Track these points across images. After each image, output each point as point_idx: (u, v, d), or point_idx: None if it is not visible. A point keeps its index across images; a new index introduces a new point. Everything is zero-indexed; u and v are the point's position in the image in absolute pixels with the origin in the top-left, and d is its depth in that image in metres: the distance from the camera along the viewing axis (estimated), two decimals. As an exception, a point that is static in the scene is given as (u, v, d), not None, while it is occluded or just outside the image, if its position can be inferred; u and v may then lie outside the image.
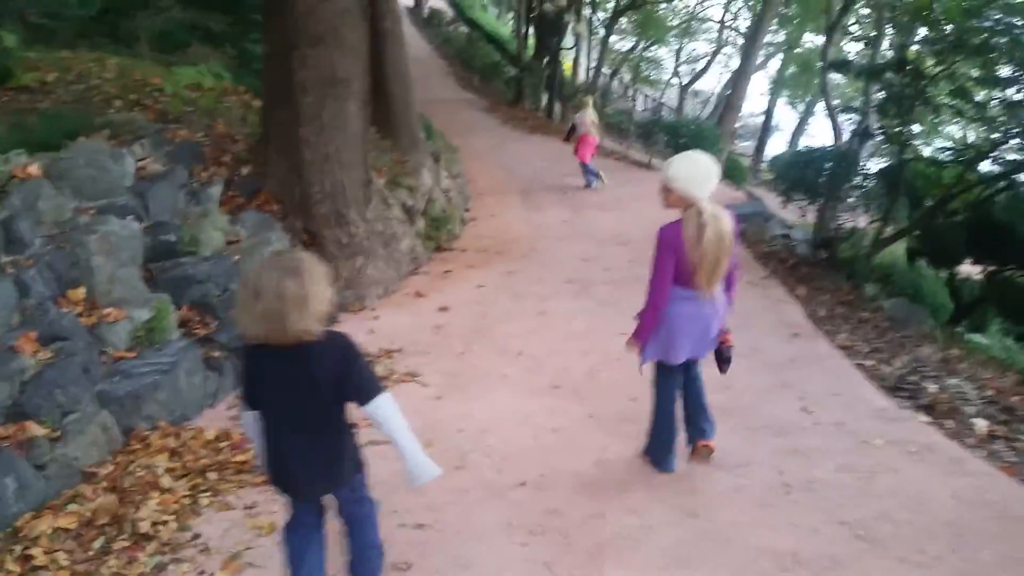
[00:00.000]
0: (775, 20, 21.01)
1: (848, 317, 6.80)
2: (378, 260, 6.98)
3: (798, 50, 32.61)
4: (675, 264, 3.41)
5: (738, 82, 19.53)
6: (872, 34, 10.73)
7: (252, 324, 2.21)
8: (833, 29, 12.81)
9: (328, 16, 6.26)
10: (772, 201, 15.83)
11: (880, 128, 9.33)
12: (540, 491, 3.64)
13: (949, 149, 8.69)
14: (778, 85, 36.33)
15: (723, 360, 3.81)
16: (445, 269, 8.16)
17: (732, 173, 17.65)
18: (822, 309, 6.94)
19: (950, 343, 7.04)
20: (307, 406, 2.33)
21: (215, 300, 5.13)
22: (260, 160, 6.88)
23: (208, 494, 3.41)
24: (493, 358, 5.54)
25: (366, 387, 2.34)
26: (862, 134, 13.14)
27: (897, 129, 8.94)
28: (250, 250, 5.68)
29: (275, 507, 3.41)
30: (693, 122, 16.15)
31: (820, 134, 41.05)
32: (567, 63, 26.66)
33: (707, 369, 4.05)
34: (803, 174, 8.08)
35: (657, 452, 3.87)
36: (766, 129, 37.18)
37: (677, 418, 3.82)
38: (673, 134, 15.72)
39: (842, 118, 14.47)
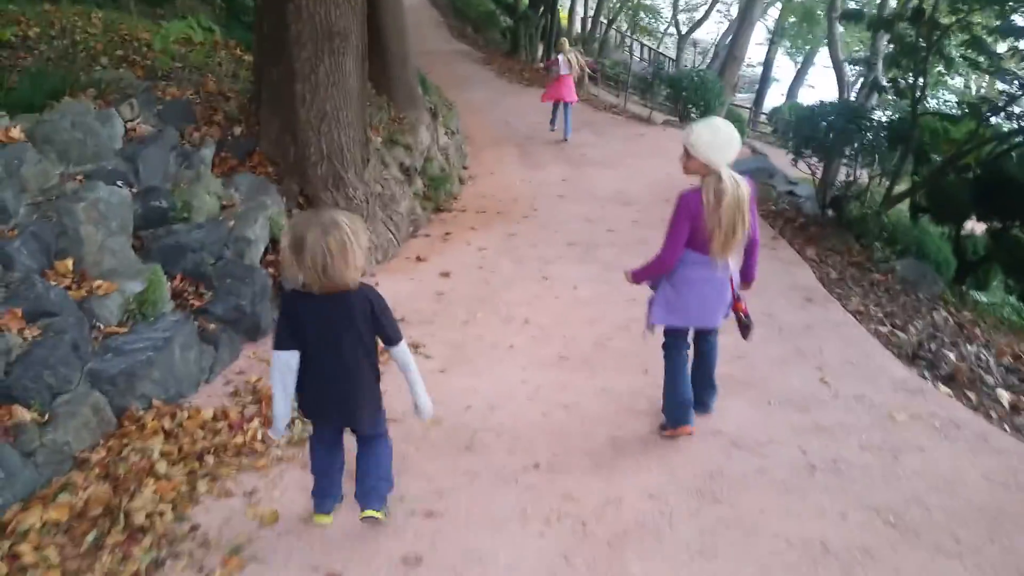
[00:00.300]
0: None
1: (860, 280, 6.63)
2: (377, 223, 6.75)
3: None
4: (692, 229, 3.43)
5: (740, 32, 19.03)
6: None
7: (301, 274, 2.58)
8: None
9: (322, -34, 5.92)
10: (774, 155, 15.59)
11: (889, 81, 9.03)
12: (554, 474, 3.49)
13: (962, 102, 8.40)
14: (777, 35, 35.56)
15: (745, 327, 3.81)
16: (445, 231, 7.93)
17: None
18: (833, 271, 6.77)
19: (961, 305, 6.90)
20: (345, 344, 2.71)
21: (209, 269, 4.91)
22: (253, 119, 6.60)
23: (206, 479, 3.25)
24: (498, 327, 5.36)
25: (393, 332, 2.80)
26: (871, 87, 12.83)
27: (910, 82, 8.68)
28: (245, 215, 5.45)
29: (276, 492, 3.27)
30: (695, 73, 15.74)
31: (819, 85, 40.61)
32: (563, 13, 25.97)
33: (723, 336, 3.92)
34: (814, 130, 7.81)
35: (674, 412, 3.83)
36: (765, 80, 36.60)
37: (687, 382, 3.81)
38: (675, 86, 15.37)
39: (846, 70, 14.08)
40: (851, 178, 8.37)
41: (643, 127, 15.81)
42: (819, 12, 30.07)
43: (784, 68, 39.76)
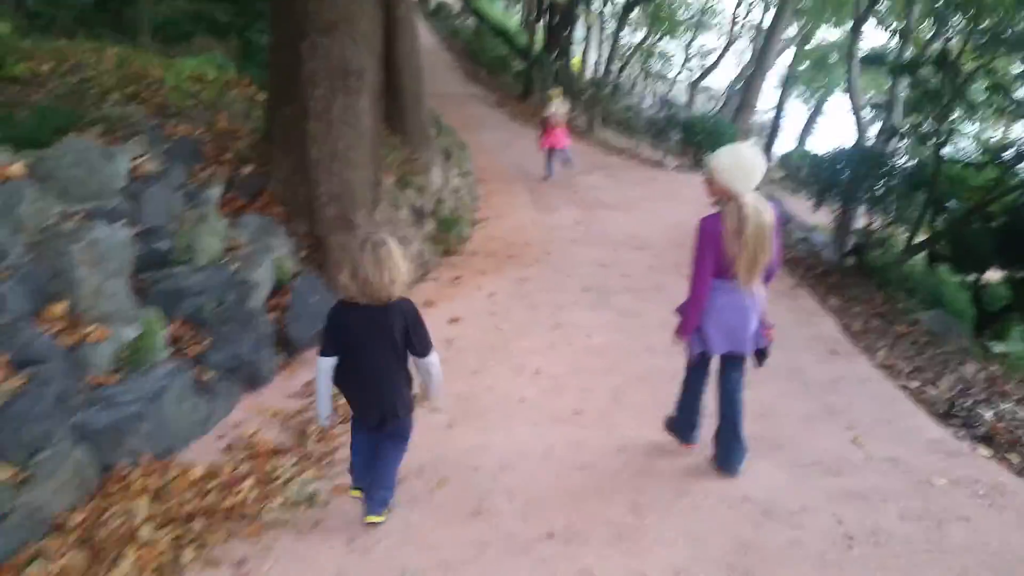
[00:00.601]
0: (793, 14, 20.44)
1: (885, 331, 6.37)
2: (386, 266, 6.56)
3: (810, 45, 32.12)
4: (715, 255, 3.42)
5: (753, 78, 19.05)
6: (901, 26, 10.26)
7: (353, 289, 3.08)
8: (861, 21, 12.30)
9: (341, 2, 5.83)
10: (788, 201, 15.42)
11: (910, 126, 8.87)
12: (570, 544, 3.22)
13: (987, 149, 8.22)
14: (789, 81, 35.70)
15: (761, 355, 3.79)
16: (455, 275, 7.74)
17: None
18: (857, 322, 6.52)
19: (986, 358, 6.62)
20: (384, 349, 3.13)
21: (210, 314, 4.72)
22: (263, 158, 6.46)
23: (193, 546, 3.00)
24: (509, 378, 5.12)
25: (421, 347, 3.23)
26: (890, 132, 12.70)
27: (932, 128, 8.52)
28: (249, 258, 5.27)
29: (267, 564, 3.01)
30: (709, 118, 15.66)
31: (828, 132, 40.70)
32: (576, 58, 26.15)
33: (746, 392, 3.70)
34: (833, 175, 7.62)
35: (680, 428, 3.99)
36: (776, 126, 36.67)
37: (703, 404, 3.88)
38: (688, 131, 15.27)
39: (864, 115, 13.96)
40: (871, 225, 8.14)
41: (655, 171, 15.71)
42: (831, 58, 30.24)
43: (795, 114, 39.77)
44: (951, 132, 7.70)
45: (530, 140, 18.31)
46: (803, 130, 39.50)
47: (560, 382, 5.04)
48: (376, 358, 3.14)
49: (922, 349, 6.04)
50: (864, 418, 4.54)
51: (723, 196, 3.39)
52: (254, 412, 4.45)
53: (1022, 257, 9.01)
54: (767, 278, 3.69)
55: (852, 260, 8.08)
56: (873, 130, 16.77)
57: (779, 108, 36.20)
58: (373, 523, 3.32)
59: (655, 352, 5.56)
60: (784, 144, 37.70)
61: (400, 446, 3.41)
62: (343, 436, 4.03)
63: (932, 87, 8.39)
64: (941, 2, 8.15)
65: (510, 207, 12.28)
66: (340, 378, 3.22)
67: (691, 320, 3.64)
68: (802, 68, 33.77)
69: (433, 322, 6.25)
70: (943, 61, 7.61)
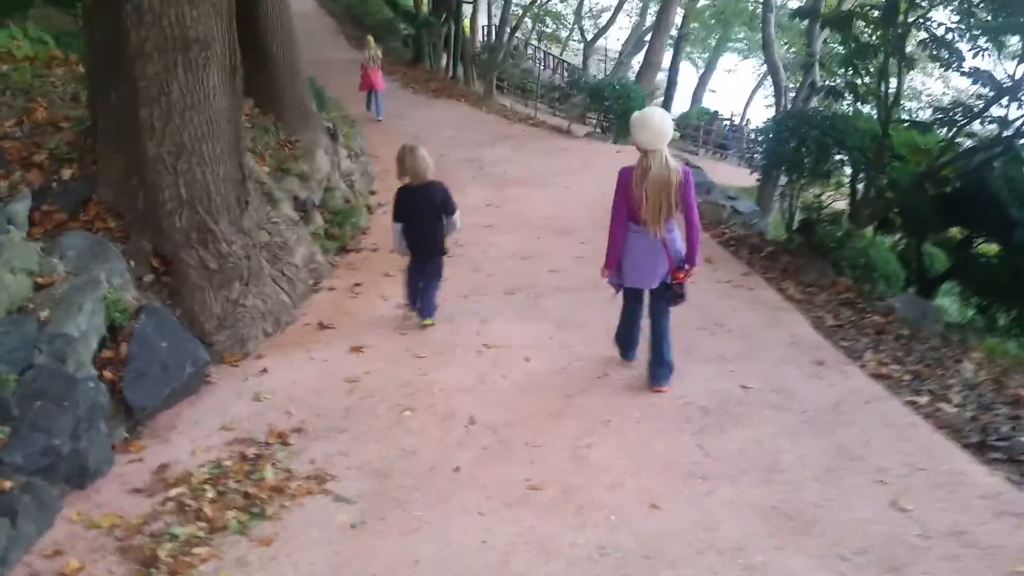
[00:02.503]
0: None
1: (860, 324, 5.55)
2: (263, 283, 5.21)
3: (704, 1, 31.71)
4: (626, 200, 4.13)
5: (655, 37, 18.20)
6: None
7: (405, 176, 5.17)
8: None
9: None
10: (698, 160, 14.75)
11: (845, 83, 8.08)
12: None
13: (938, 108, 7.53)
14: (680, 40, 35.37)
15: (674, 295, 4.30)
16: (354, 282, 6.43)
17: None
18: (827, 315, 5.68)
19: (968, 346, 5.92)
20: (427, 214, 5.17)
21: (8, 393, 3.31)
22: (88, 157, 4.96)
23: None
24: (435, 433, 3.93)
25: (451, 208, 5.27)
26: (826, 92, 12.05)
27: (870, 86, 7.78)
28: (67, 300, 3.82)
29: None
30: (616, 82, 14.71)
31: (720, 90, 40.82)
32: (466, 20, 24.69)
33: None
34: (779, 145, 6.73)
35: (621, 346, 4.72)
36: (671, 86, 36.31)
37: (636, 330, 4.63)
38: (596, 96, 14.27)
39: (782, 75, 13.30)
40: (821, 198, 7.34)
41: (564, 140, 14.66)
42: (721, 16, 29.86)
43: (685, 74, 39.54)
44: (899, 89, 6.91)
45: (427, 109, 16.92)
46: (696, 89, 39.48)
47: (502, 436, 3.89)
48: (424, 216, 5.17)
49: (908, 345, 5.25)
50: (892, 464, 3.60)
51: (638, 149, 4.11)
52: (82, 526, 3.11)
53: (967, 221, 8.51)
54: (691, 235, 4.22)
55: (799, 237, 7.26)
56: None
57: (672, 68, 35.90)
58: (428, 325, 5.32)
59: (612, 379, 4.49)
60: (679, 104, 37.55)
61: (437, 279, 5.45)
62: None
63: (869, 41, 7.61)
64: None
65: (410, 188, 10.96)
66: (406, 231, 5.23)
67: (610, 257, 4.36)
68: (693, 26, 33.40)
69: (330, 353, 4.98)
70: (891, 13, 6.79)
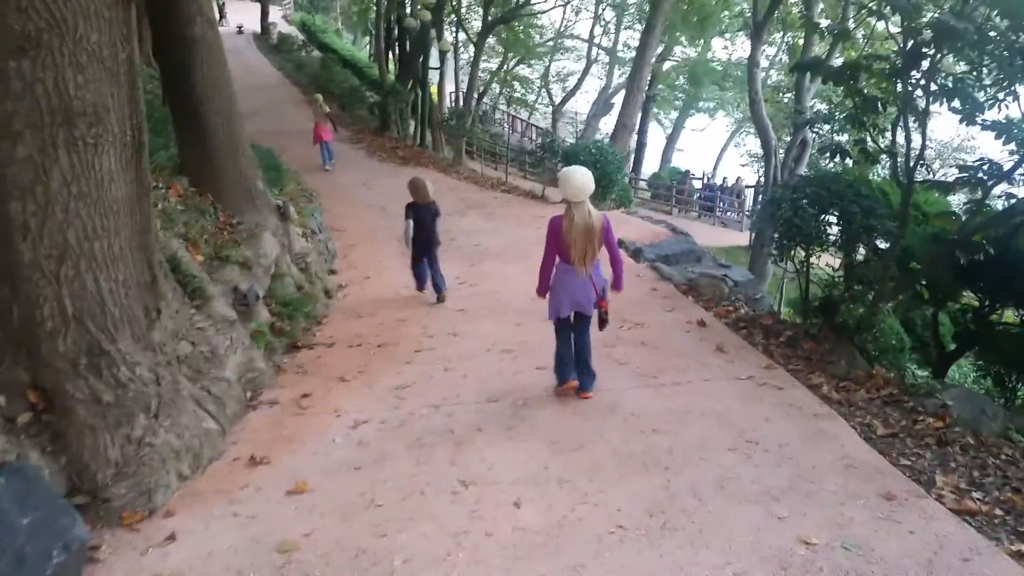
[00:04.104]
0: (664, 31, 19.36)
1: (916, 432, 4.58)
2: (180, 411, 4.12)
3: (670, 63, 31.76)
4: (558, 244, 4.89)
5: (628, 99, 17.67)
6: (834, 27, 8.86)
7: (415, 197, 7.57)
8: (760, 27, 10.92)
9: (44, 0, 3.41)
10: (676, 220, 13.95)
11: (855, 142, 7.30)
12: None
13: (963, 167, 6.74)
14: (649, 102, 35.36)
15: (602, 321, 5.07)
16: (303, 391, 5.36)
17: (621, 196, 15.63)
18: (874, 420, 4.70)
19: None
20: (428, 221, 7.57)
21: None
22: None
23: None
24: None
25: (438, 216, 7.72)
26: (800, 149, 11.37)
27: (883, 144, 7.01)
28: None
29: None
30: (593, 145, 13.99)
31: (688, 149, 40.82)
32: (433, 87, 24.19)
33: None
34: (802, 216, 5.84)
35: (560, 371, 5.17)
36: (640, 146, 36.11)
37: (571, 358, 5.15)
38: (571, 159, 13.48)
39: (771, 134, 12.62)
40: (838, 272, 6.44)
41: (539, 206, 13.83)
42: (688, 77, 29.77)
43: (653, 134, 39.46)
44: (923, 147, 6.11)
45: (393, 178, 16.06)
46: (665, 149, 39.37)
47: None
48: (427, 223, 7.59)
49: (980, 459, 4.27)
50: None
51: (565, 201, 4.86)
52: None
53: (988, 287, 7.67)
54: (615, 268, 5.09)
55: (816, 319, 6.33)
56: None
57: (641, 129, 35.73)
58: (443, 300, 7.83)
59: (630, 534, 3.44)
60: (650, 164, 37.32)
61: (436, 262, 7.86)
62: None
63: (877, 95, 6.86)
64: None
65: (376, 265, 9.98)
66: (415, 232, 7.58)
67: (541, 286, 5.13)
68: (660, 87, 33.36)
69: (260, 504, 3.73)
70: (911, 63, 6.04)
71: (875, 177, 11.02)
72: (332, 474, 4.11)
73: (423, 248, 7.70)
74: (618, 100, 31.70)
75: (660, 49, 26.31)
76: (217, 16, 16.57)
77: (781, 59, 24.22)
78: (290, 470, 4.16)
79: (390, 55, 25.05)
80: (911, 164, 6.40)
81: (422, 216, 7.57)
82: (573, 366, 5.12)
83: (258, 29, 37.48)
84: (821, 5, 10.64)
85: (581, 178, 4.77)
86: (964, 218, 6.87)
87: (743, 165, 32.08)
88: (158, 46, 6.73)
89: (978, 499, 3.76)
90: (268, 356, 5.87)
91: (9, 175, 3.47)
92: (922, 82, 6.60)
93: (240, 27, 36.77)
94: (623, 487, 3.83)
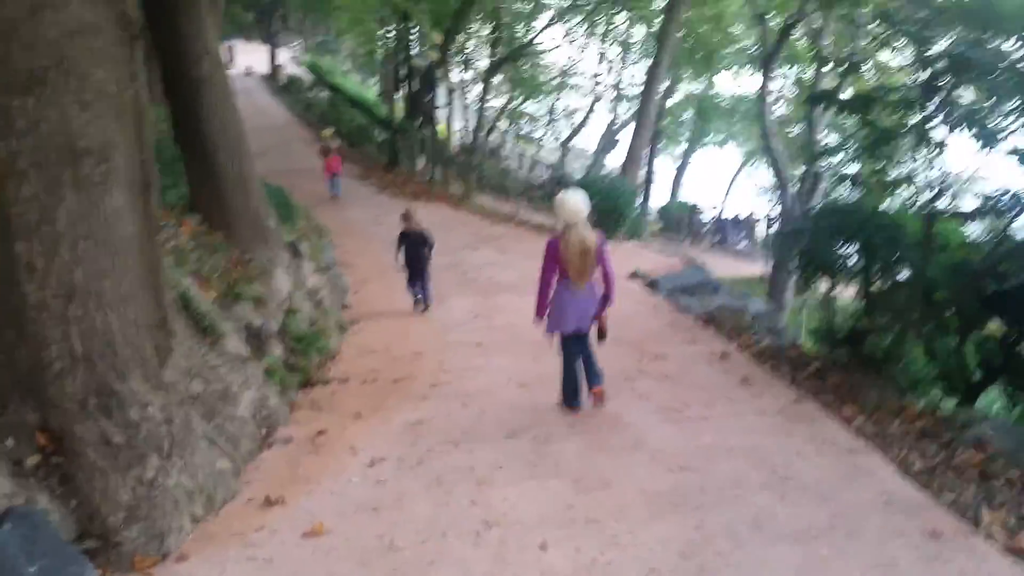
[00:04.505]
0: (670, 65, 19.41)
1: (956, 466, 4.40)
2: (193, 451, 3.99)
3: (676, 98, 31.93)
4: (558, 263, 5.16)
5: (637, 133, 17.65)
6: (844, 57, 8.82)
7: (404, 225, 8.63)
8: (771, 59, 10.90)
9: (49, 38, 3.37)
10: (670, 250, 13.79)
11: (870, 173, 7.21)
12: None
13: (987, 196, 6.62)
14: (656, 135, 35.45)
15: (601, 336, 5.45)
16: (317, 429, 5.22)
17: (633, 229, 15.54)
18: (911, 454, 4.52)
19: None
20: (420, 247, 8.59)
21: None
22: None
23: None
24: None
25: (431, 243, 8.68)
26: (814, 180, 11.27)
27: (900, 175, 6.91)
28: None
29: None
30: (605, 179, 13.96)
31: (697, 185, 40.87)
32: (441, 125, 24.37)
33: None
34: (825, 248, 5.70)
35: (567, 395, 5.49)
36: (649, 180, 36.18)
37: (579, 373, 5.44)
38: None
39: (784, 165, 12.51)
40: (855, 301, 6.29)
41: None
42: (693, 110, 29.87)
43: (661, 167, 39.54)
44: (946, 180, 6.01)
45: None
46: (674, 182, 39.43)
47: None
48: (418, 250, 8.51)
49: (1019, 492, 4.07)
50: None
51: (562, 223, 5.14)
52: None
53: (1014, 315, 7.50)
54: (607, 283, 5.33)
55: (846, 351, 6.16)
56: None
57: (649, 162, 35.85)
58: (426, 309, 8.87)
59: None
60: (658, 197, 37.36)
61: (427, 281, 8.77)
62: None
63: (891, 127, 6.81)
64: (926, 13, 6.53)
65: (388, 300, 9.87)
66: (406, 259, 8.61)
67: (539, 307, 5.38)
68: (666, 122, 33.50)
69: (275, 547, 3.57)
70: (930, 93, 5.96)
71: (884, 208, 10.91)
72: (349, 515, 3.96)
73: (415, 269, 8.67)
74: (623, 135, 31.88)
75: (667, 84, 26.44)
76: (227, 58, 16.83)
77: (786, 94, 24.29)
78: (306, 511, 4.01)
79: (398, 93, 25.27)
80: (932, 195, 6.31)
81: (414, 243, 8.58)
82: (580, 392, 5.44)
83: (267, 71, 38.00)
84: (831, 37, 10.64)
85: (576, 201, 5.11)
86: (987, 248, 6.74)
87: (754, 197, 32.02)
88: (167, 85, 6.70)
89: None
90: (282, 393, 5.73)
91: (14, 215, 3.38)
92: (939, 113, 6.56)
93: (248, 69, 37.30)
94: (653, 528, 3.66)
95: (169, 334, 4.15)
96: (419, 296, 8.81)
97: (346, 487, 4.30)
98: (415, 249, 8.59)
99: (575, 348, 5.40)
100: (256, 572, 3.44)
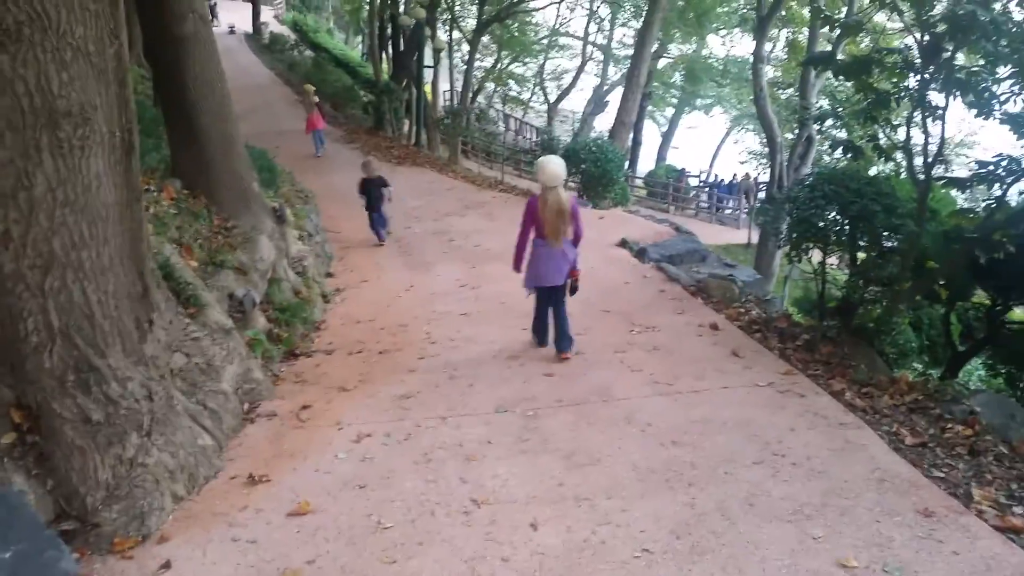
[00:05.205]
0: (661, 27, 19.11)
1: (946, 442, 4.38)
2: (174, 428, 3.90)
3: (666, 60, 31.60)
4: (535, 223, 5.68)
5: (626, 96, 17.45)
6: (840, 17, 8.62)
7: (365, 173, 10.62)
8: (766, 21, 10.70)
9: (24, -9, 3.18)
10: (677, 218, 13.71)
11: (869, 139, 7.12)
12: None
13: (981, 163, 6.55)
14: (645, 99, 35.17)
15: (572, 290, 5.91)
16: (302, 403, 5.13)
17: (618, 195, 15.41)
18: (902, 428, 4.50)
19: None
20: (377, 193, 10.55)
21: None
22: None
23: None
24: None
25: (387, 185, 10.69)
26: (806, 145, 11.16)
27: (894, 140, 6.84)
28: None
29: None
30: (593, 143, 13.77)
31: (685, 148, 40.64)
32: (428, 86, 23.95)
33: None
34: (820, 216, 5.63)
35: (537, 334, 6.10)
36: (636, 144, 35.94)
37: (547, 319, 6.00)
38: (572, 158, 13.29)
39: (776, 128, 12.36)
40: (862, 274, 6.23)
41: (539, 206, 13.60)
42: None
43: (648, 132, 39.25)
44: (941, 143, 5.92)
45: (388, 177, 15.83)
46: (660, 147, 39.20)
47: None
48: (377, 192, 10.47)
49: (1016, 470, 4.07)
50: None
51: (541, 186, 5.68)
52: None
53: (1002, 285, 7.49)
54: (575, 242, 5.82)
55: (836, 322, 6.12)
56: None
57: (637, 127, 35.54)
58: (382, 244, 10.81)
59: (656, 557, 3.23)
60: (645, 162, 37.13)
61: (384, 216, 10.77)
62: None
63: (889, 91, 6.69)
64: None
65: (374, 267, 9.77)
66: (368, 201, 10.52)
67: (516, 261, 5.93)
68: (656, 84, 33.17)
69: (260, 528, 3.47)
70: (932, 55, 5.84)
71: (875, 173, 10.85)
72: (336, 493, 3.89)
73: (373, 208, 10.63)
74: (612, 98, 31.54)
75: (656, 46, 26.11)
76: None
77: (779, 56, 24.02)
78: (291, 489, 3.93)
79: (383, 54, 24.81)
80: (928, 161, 6.23)
81: (374, 185, 10.53)
82: (547, 332, 6.00)
83: (250, 29, 37.17)
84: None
85: (555, 166, 5.64)
86: (982, 216, 6.68)
87: (742, 162, 31.86)
88: (149, 44, 6.47)
89: (1020, 515, 3.56)
90: (265, 365, 5.65)
91: (-12, 181, 3.23)
92: (940, 76, 6.45)
93: (232, 27, 36.48)
94: (646, 506, 3.62)
95: (151, 306, 4.03)
96: (380, 232, 10.84)
97: (332, 464, 4.23)
98: (376, 191, 10.57)
99: (545, 298, 5.92)
100: (240, 554, 3.37)
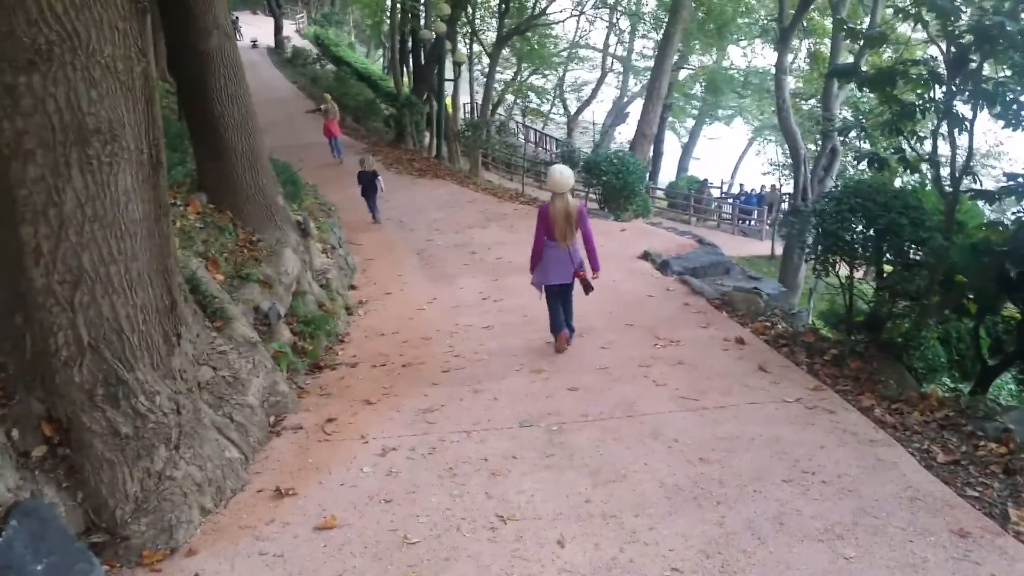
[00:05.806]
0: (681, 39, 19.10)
1: (979, 460, 4.29)
2: (202, 441, 3.91)
3: (686, 71, 31.55)
4: (546, 226, 6.21)
5: (647, 108, 17.43)
6: (861, 29, 8.55)
7: (363, 168, 13.53)
8: (788, 33, 10.65)
9: (56, 11, 3.24)
10: (698, 229, 13.63)
11: (895, 151, 7.04)
12: None
13: (1009, 175, 6.46)
14: (666, 110, 35.11)
15: (586, 286, 6.39)
16: (327, 415, 5.14)
17: (639, 207, 15.34)
18: (933, 446, 4.42)
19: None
20: (372, 181, 13.29)
21: None
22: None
23: None
24: None
25: (379, 176, 13.51)
26: (830, 157, 11.08)
27: (922, 152, 6.75)
28: None
29: None
30: (615, 155, 13.76)
31: (704, 158, 40.48)
32: (448, 99, 24.08)
33: None
34: (847, 230, 5.56)
35: (553, 327, 6.44)
36: (657, 155, 35.85)
37: (559, 314, 6.42)
38: (593, 170, 13.30)
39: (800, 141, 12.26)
40: (864, 283, 6.16)
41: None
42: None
43: (669, 143, 39.16)
44: (969, 154, 5.84)
45: (410, 191, 16.00)
46: (681, 158, 39.10)
47: None
48: (371, 182, 13.20)
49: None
50: None
51: (550, 192, 6.24)
52: None
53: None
54: (588, 246, 6.39)
55: (863, 336, 6.04)
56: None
57: (658, 138, 35.47)
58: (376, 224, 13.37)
59: (685, 575, 3.19)
60: (666, 173, 37.06)
61: (378, 201, 13.44)
62: None
63: (915, 103, 6.61)
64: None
65: (396, 280, 9.81)
66: (363, 189, 13.42)
67: (532, 263, 6.45)
68: (676, 96, 33.12)
69: (286, 541, 3.52)
70: (958, 67, 5.78)
71: (900, 185, 10.73)
72: (362, 507, 3.88)
73: (368, 195, 13.28)
74: (633, 109, 31.53)
75: (677, 57, 26.09)
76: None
77: (800, 67, 23.90)
78: (317, 503, 3.93)
79: (404, 67, 25.00)
80: (956, 174, 6.15)
81: (368, 177, 13.21)
82: (563, 325, 6.45)
83: (272, 43, 37.65)
84: (849, 7, 10.38)
85: (563, 174, 6.19)
86: (1011, 229, 6.58)
87: (764, 173, 31.66)
88: (174, 60, 6.57)
89: (1059, 536, 3.47)
90: (291, 378, 5.67)
91: (20, 197, 3.27)
92: (966, 88, 6.37)
93: (254, 41, 36.98)
94: (674, 524, 3.57)
95: (178, 320, 4.05)
96: (374, 214, 13.35)
97: (358, 477, 4.22)
98: (369, 182, 13.17)
99: (555, 296, 6.40)
100: (267, 568, 3.37)
